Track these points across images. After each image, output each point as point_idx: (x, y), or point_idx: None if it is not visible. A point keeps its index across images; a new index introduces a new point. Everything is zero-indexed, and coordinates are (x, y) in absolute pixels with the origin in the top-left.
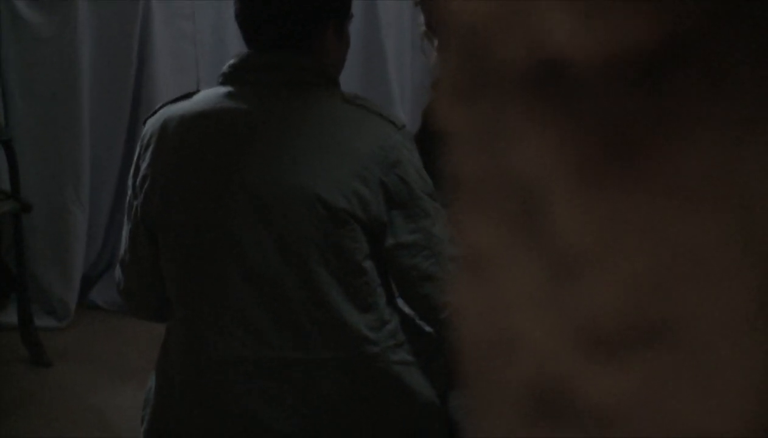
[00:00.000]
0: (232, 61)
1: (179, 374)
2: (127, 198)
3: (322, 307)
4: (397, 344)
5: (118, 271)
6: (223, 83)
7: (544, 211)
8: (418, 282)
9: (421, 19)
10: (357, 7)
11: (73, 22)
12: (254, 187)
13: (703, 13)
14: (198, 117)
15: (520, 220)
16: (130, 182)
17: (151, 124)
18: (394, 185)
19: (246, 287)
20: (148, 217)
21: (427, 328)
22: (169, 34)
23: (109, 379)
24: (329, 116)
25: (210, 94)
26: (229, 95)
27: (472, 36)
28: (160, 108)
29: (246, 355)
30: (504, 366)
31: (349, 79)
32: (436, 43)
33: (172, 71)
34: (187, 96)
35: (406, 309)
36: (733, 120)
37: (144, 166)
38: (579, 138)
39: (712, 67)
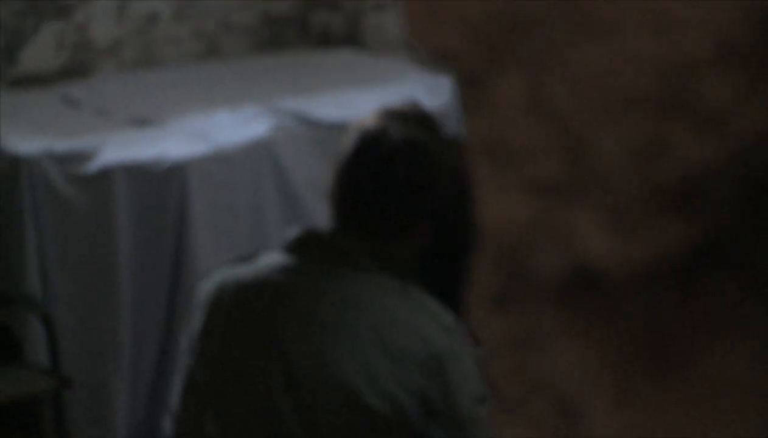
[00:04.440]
0: (298, 233)
1: None
2: (182, 348)
3: None
4: None
5: (166, 425)
6: (283, 251)
7: (582, 416)
8: None
9: None
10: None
11: (109, 197)
12: (295, 373)
13: (734, 218)
14: (254, 289)
15: (558, 427)
16: (185, 335)
17: (207, 286)
18: (435, 395)
19: None
20: (199, 376)
21: None
22: (207, 208)
23: None
24: (382, 310)
25: (270, 265)
26: (289, 268)
27: (507, 244)
28: (222, 266)
29: None
30: None
31: None
32: None
33: (211, 245)
34: (249, 258)
35: None
36: (762, 322)
37: (196, 328)
38: (615, 346)
39: (745, 273)
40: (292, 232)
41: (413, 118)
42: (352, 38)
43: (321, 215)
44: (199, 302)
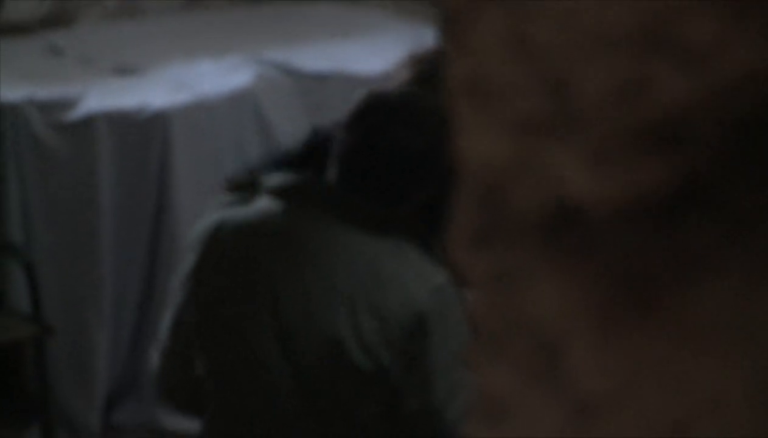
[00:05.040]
0: (293, 180)
1: None
2: (172, 284)
3: None
4: None
5: (154, 359)
6: (278, 198)
7: (563, 357)
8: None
9: None
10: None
11: (92, 145)
12: (286, 320)
13: (718, 158)
14: (249, 234)
15: (538, 366)
16: (177, 272)
17: (203, 225)
18: (413, 356)
19: (263, 414)
20: (189, 312)
21: None
22: (190, 156)
23: None
24: (371, 265)
25: (267, 211)
26: (286, 217)
27: (486, 182)
28: (215, 205)
29: None
30: None
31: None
32: None
33: (193, 193)
34: (245, 199)
35: None
36: (748, 266)
37: (190, 265)
38: (596, 284)
39: (727, 213)
40: (286, 177)
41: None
42: None
43: None
44: (193, 241)
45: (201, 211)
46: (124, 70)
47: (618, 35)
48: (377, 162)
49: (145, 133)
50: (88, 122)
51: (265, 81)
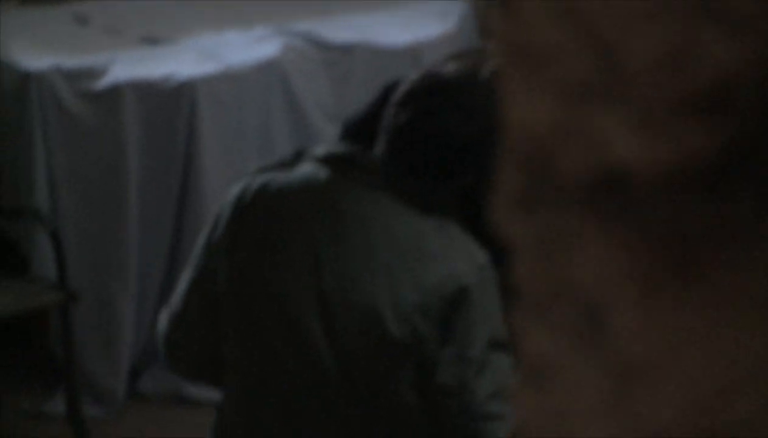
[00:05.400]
0: (338, 149)
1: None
2: (197, 247)
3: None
4: None
5: (162, 320)
6: (322, 166)
7: (606, 321)
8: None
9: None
10: None
11: (119, 114)
12: (326, 290)
13: (763, 126)
14: (295, 200)
15: (582, 330)
16: (204, 233)
17: (243, 186)
18: (452, 328)
19: (292, 380)
20: (218, 277)
21: None
22: (216, 126)
23: None
24: (416, 240)
25: (309, 177)
26: (329, 185)
27: (533, 146)
28: (252, 173)
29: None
30: None
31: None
32: None
33: (219, 163)
34: (286, 164)
35: None
36: None
37: (225, 225)
38: (640, 249)
39: None
40: (324, 147)
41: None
42: None
43: (329, 136)
44: (230, 203)
45: (228, 181)
46: (151, 40)
47: (666, 1)
48: (425, 144)
49: (172, 102)
50: (115, 91)
51: (291, 52)
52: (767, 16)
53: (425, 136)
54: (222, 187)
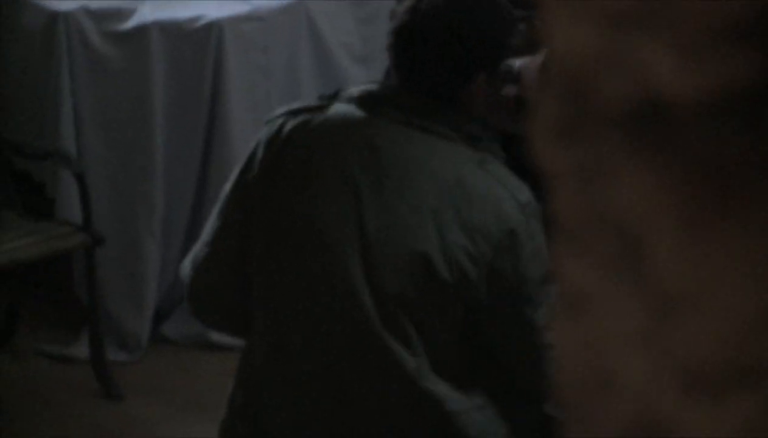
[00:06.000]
0: (373, 88)
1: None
2: (225, 192)
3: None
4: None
5: (186, 267)
6: (358, 105)
7: (644, 252)
8: (505, 364)
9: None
10: None
11: (145, 55)
12: (368, 230)
13: None
14: (332, 138)
15: (620, 261)
16: (235, 175)
17: (278, 125)
18: (505, 269)
19: (327, 323)
20: (251, 217)
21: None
22: (242, 67)
23: (181, 413)
24: (458, 180)
25: (346, 116)
26: (366, 124)
27: (574, 74)
28: (285, 112)
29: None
30: (603, 406)
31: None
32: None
33: (246, 105)
34: (322, 105)
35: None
36: None
37: (259, 166)
38: (680, 179)
39: None
40: (360, 87)
41: None
42: None
43: (355, 77)
44: (265, 143)
45: (254, 122)
46: None
47: None
48: (433, 43)
49: (198, 43)
50: (142, 32)
51: None
52: None
53: (427, 40)
54: (248, 129)
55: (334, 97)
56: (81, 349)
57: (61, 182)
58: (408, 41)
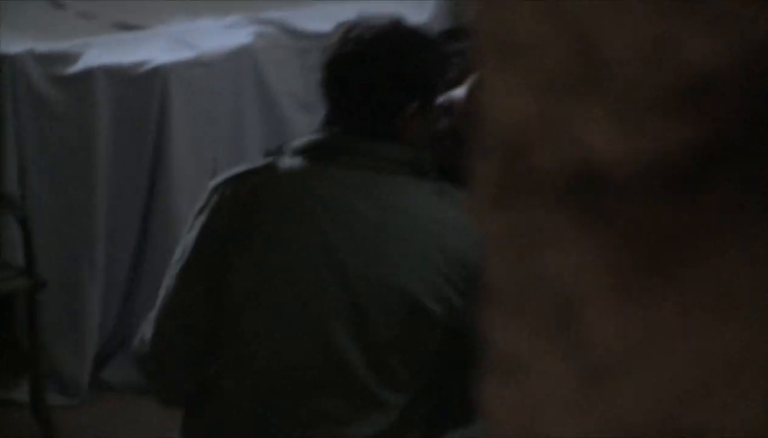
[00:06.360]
0: (318, 138)
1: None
2: (184, 252)
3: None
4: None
5: (146, 329)
6: (309, 158)
7: (578, 317)
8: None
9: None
10: None
11: (90, 99)
12: (350, 277)
13: (745, 123)
14: (297, 197)
15: (554, 325)
16: (193, 237)
17: (231, 192)
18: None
19: (313, 367)
20: (221, 276)
21: None
22: (187, 113)
23: None
24: (429, 214)
25: (303, 170)
26: (324, 176)
27: (510, 140)
28: (233, 177)
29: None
30: None
31: None
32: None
33: (190, 150)
34: (266, 167)
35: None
36: (766, 231)
37: (223, 235)
38: (614, 245)
39: (752, 179)
40: (303, 138)
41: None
42: None
43: (299, 124)
44: (221, 204)
45: (198, 168)
46: (125, 26)
47: None
48: (364, 78)
49: (144, 87)
50: (87, 76)
51: (264, 39)
52: (750, 11)
53: (359, 76)
54: (192, 174)
55: (279, 151)
56: (22, 393)
57: (3, 225)
58: (338, 75)
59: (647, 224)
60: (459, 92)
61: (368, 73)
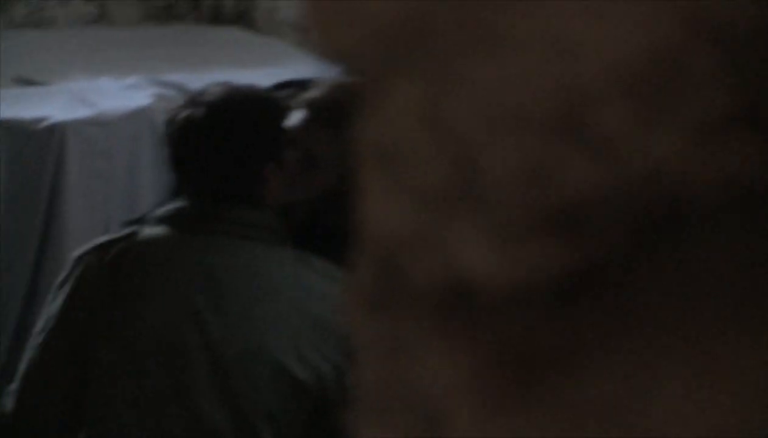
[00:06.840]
0: (180, 206)
1: None
2: (47, 323)
3: None
4: None
5: (3, 407)
6: (172, 226)
7: (446, 433)
8: None
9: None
10: None
11: None
12: (216, 343)
13: (620, 248)
14: (161, 265)
15: (423, 436)
16: (56, 308)
17: (96, 262)
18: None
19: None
20: (86, 346)
21: None
22: (83, 171)
23: None
24: (292, 283)
25: (166, 238)
26: (189, 244)
27: (385, 250)
28: (95, 247)
29: None
30: None
31: None
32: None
33: (83, 208)
34: (129, 236)
35: None
36: (641, 352)
37: (86, 295)
38: (485, 361)
39: (624, 299)
40: (164, 208)
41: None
42: (243, 18)
43: None
44: (84, 274)
45: (92, 226)
46: (24, 81)
47: (531, 118)
48: (213, 149)
49: (40, 143)
50: None
51: (162, 101)
52: (632, 141)
53: (206, 146)
54: (85, 231)
55: (140, 221)
56: None
57: None
58: (187, 144)
59: (518, 341)
60: (297, 118)
61: (216, 140)
